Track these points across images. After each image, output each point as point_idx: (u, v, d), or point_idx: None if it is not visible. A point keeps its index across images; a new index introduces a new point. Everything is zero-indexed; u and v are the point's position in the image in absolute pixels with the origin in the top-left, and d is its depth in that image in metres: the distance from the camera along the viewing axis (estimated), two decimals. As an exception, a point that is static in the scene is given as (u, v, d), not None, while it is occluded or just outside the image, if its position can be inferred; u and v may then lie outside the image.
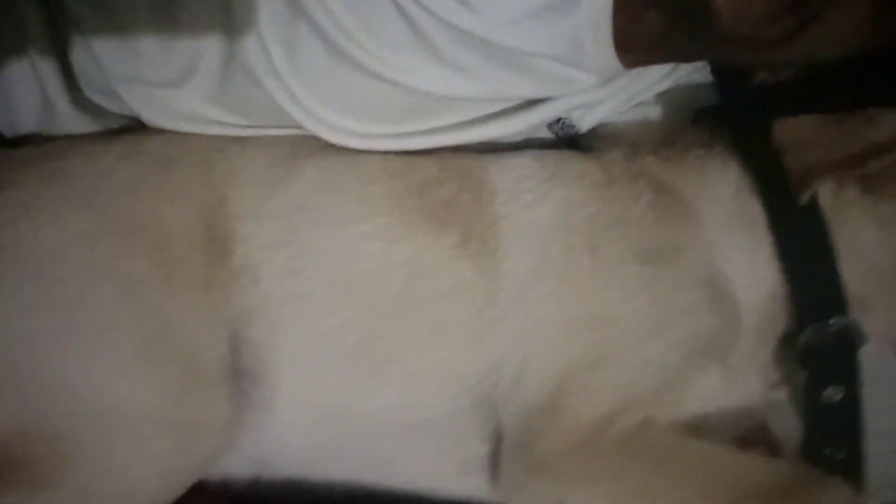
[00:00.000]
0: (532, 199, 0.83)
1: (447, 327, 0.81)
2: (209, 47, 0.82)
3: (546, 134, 0.94)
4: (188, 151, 0.85)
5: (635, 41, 0.78)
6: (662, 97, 0.93)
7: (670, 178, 0.84)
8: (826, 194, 0.79)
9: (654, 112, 0.94)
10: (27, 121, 0.88)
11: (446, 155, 0.88)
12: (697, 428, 0.79)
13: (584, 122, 0.93)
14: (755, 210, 0.81)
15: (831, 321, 0.79)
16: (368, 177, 0.85)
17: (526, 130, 0.91)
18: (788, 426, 0.85)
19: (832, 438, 0.81)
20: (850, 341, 0.80)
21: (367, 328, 0.81)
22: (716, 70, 0.91)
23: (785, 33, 0.73)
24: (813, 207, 0.78)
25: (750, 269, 0.81)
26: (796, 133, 0.78)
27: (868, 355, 0.83)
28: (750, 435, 0.87)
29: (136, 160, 0.83)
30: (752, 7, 0.71)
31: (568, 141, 0.95)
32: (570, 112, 0.91)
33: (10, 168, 0.81)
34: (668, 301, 0.79)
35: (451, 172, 0.86)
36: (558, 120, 0.92)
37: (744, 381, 0.81)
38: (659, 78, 0.89)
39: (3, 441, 0.72)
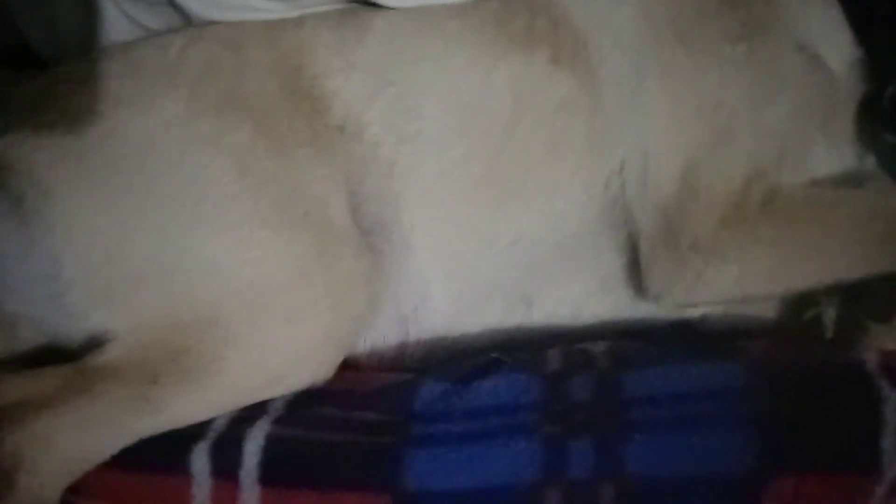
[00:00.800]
0: (609, 4, 0.82)
1: (563, 141, 0.79)
2: None
3: None
4: (250, 33, 0.82)
5: None
6: None
7: None
8: None
9: None
10: (70, 33, 0.83)
11: None
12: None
13: None
14: None
15: None
16: (440, 17, 0.83)
17: None
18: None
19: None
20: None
21: (487, 156, 0.79)
22: None
23: None
24: None
25: (829, 36, 0.80)
26: None
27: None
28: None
29: (205, 45, 0.80)
30: None
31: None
32: None
33: (80, 69, 0.77)
34: (770, 71, 0.78)
35: (516, 4, 0.83)
36: None
37: (842, 150, 0.81)
38: None
39: (160, 337, 0.68)
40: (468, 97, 0.80)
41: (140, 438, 0.67)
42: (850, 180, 0.82)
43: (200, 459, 0.66)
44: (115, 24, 0.84)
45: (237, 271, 0.71)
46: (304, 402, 0.72)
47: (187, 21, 0.85)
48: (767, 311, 0.80)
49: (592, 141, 0.79)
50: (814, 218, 0.76)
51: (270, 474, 0.66)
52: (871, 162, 0.84)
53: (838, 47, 0.80)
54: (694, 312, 0.81)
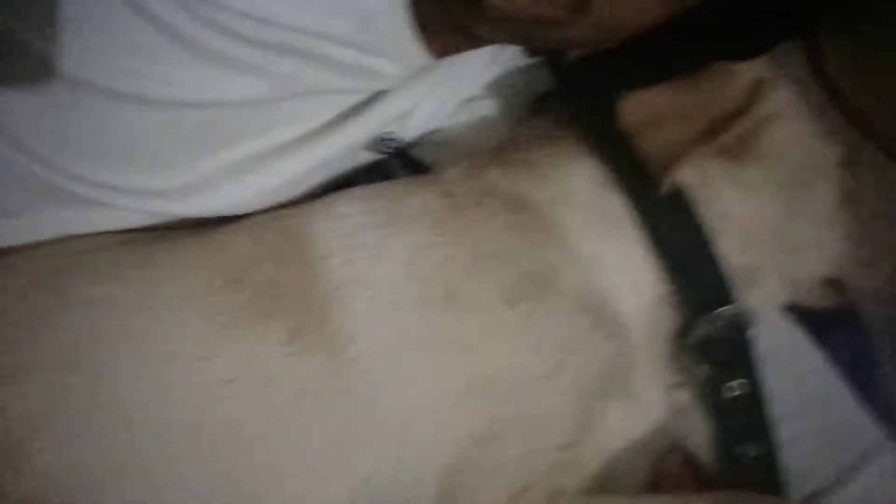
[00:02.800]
0: (370, 256, 0.72)
1: (300, 444, 0.67)
2: None
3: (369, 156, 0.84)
4: None
5: (431, 21, 0.69)
6: (494, 88, 0.84)
7: (520, 189, 0.75)
8: (688, 174, 0.72)
9: (488, 107, 0.86)
10: None
11: (260, 219, 0.77)
12: (611, 471, 0.71)
13: (408, 131, 0.83)
14: (618, 207, 0.74)
15: (720, 311, 0.74)
16: (188, 280, 0.72)
17: (339, 157, 0.80)
18: (698, 432, 0.78)
19: (741, 435, 0.76)
20: (742, 328, 0.75)
21: (211, 461, 0.67)
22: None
23: (565, 9, 0.65)
24: (677, 192, 0.73)
25: (627, 273, 0.74)
26: (647, 109, 0.71)
27: (763, 335, 0.79)
28: (667, 459, 0.81)
29: None
30: None
31: (403, 157, 0.85)
32: (386, 126, 0.81)
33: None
34: (549, 342, 0.69)
35: (266, 243, 0.74)
36: (380, 139, 0.82)
37: (648, 399, 0.74)
38: (482, 65, 0.81)
39: None
40: (185, 391, 0.68)
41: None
42: (663, 431, 0.76)
43: None
44: None
45: None
46: None
47: None
48: None
49: (335, 441, 0.68)
50: None
51: None
52: (685, 396, 0.77)
53: (639, 284, 0.74)
54: None
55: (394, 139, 0.83)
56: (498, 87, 0.85)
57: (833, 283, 0.81)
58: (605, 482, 0.70)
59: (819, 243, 0.79)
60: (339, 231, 0.74)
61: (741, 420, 0.76)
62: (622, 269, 0.73)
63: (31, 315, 0.71)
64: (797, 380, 0.80)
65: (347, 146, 0.80)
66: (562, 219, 0.73)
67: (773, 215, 0.76)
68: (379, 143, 0.83)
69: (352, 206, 0.76)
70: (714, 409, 0.76)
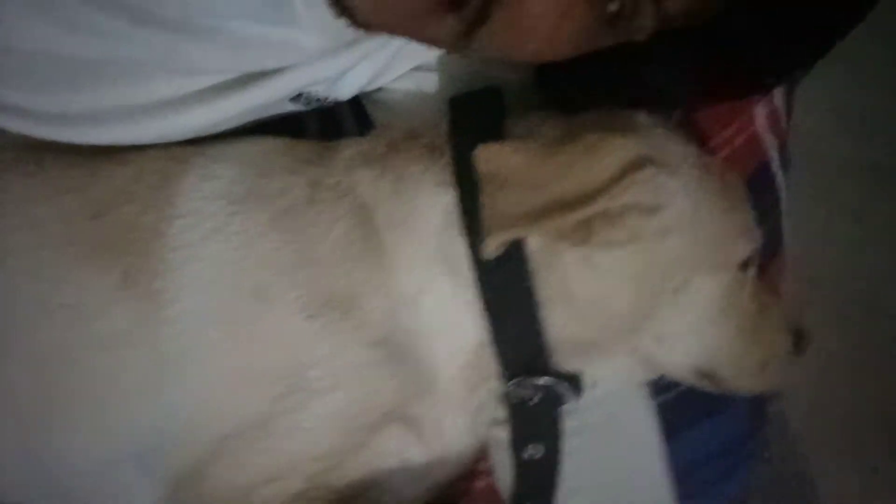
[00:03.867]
0: (210, 229, 0.71)
1: (110, 379, 0.71)
2: None
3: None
4: None
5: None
6: (452, 63, 0.79)
7: (375, 200, 0.72)
8: (535, 240, 0.69)
9: (433, 83, 0.81)
10: None
11: (152, 155, 0.75)
12: (381, 484, 0.72)
13: (340, 91, 0.79)
14: (457, 251, 0.70)
15: (534, 380, 0.72)
16: (38, 193, 0.74)
17: (255, 110, 0.77)
18: (503, 470, 0.79)
19: (532, 494, 0.76)
20: (554, 399, 0.73)
21: (35, 377, 0.71)
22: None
23: (455, 31, 0.61)
24: (518, 254, 0.69)
25: (447, 318, 0.71)
26: (499, 164, 0.66)
27: (594, 408, 0.78)
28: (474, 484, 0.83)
29: None
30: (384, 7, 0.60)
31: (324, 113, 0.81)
32: (308, 87, 0.77)
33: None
34: (331, 362, 0.69)
35: (143, 182, 0.74)
36: (299, 95, 0.78)
37: (440, 433, 0.74)
38: None
39: None
40: (25, 308, 0.71)
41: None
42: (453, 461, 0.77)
43: None
44: None
45: None
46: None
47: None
48: None
49: (141, 388, 0.71)
50: None
51: None
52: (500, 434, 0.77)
53: (461, 328, 0.72)
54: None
55: (319, 99, 0.79)
56: (459, 63, 0.79)
57: (706, 374, 0.77)
58: (367, 493, 0.72)
59: (690, 335, 0.73)
60: (201, 192, 0.73)
61: (532, 480, 0.76)
62: (442, 312, 0.71)
63: None
64: (604, 451, 0.78)
65: (265, 101, 0.76)
66: (395, 246, 0.71)
67: (625, 303, 0.71)
68: (297, 99, 0.79)
69: (226, 169, 0.74)
70: (514, 463, 0.75)
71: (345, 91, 0.80)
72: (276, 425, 0.69)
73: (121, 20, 0.68)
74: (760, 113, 0.86)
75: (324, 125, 0.84)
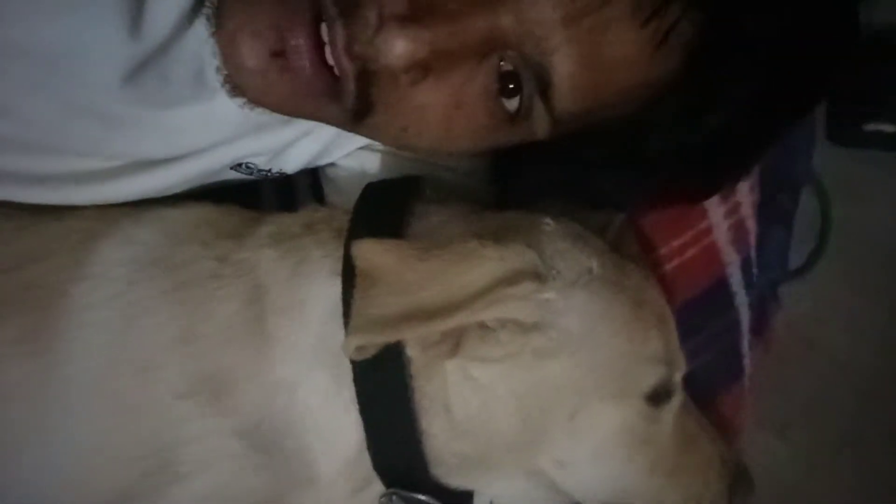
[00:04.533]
0: (110, 294, 0.70)
1: (13, 431, 0.70)
2: None
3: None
4: None
5: None
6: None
7: (270, 283, 0.69)
8: (413, 346, 0.63)
9: (375, 164, 0.80)
10: None
11: (85, 214, 0.75)
12: None
13: (284, 165, 0.79)
14: (336, 345, 0.64)
15: (410, 493, 0.67)
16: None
17: (201, 177, 0.77)
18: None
19: None
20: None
21: None
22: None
23: (342, 118, 0.62)
24: (397, 357, 0.64)
25: (330, 417, 0.67)
26: (374, 261, 0.62)
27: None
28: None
29: None
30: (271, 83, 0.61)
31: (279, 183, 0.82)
32: (247, 158, 0.77)
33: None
34: (197, 446, 0.66)
35: (69, 240, 0.73)
36: (239, 164, 0.78)
37: None
38: None
39: None
40: None
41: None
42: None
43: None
44: None
45: None
46: None
47: None
48: None
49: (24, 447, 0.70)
50: None
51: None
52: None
53: (339, 427, 0.67)
54: None
55: (262, 170, 0.79)
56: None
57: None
58: None
59: (593, 466, 0.66)
60: (115, 256, 0.72)
61: None
62: (320, 407, 0.66)
63: None
64: None
65: (204, 171, 0.77)
66: (278, 332, 0.67)
67: (509, 422, 0.64)
68: (243, 167, 0.79)
69: (147, 234, 0.74)
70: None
71: (289, 165, 0.79)
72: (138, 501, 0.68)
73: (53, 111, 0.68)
74: (721, 224, 0.80)
75: (280, 194, 0.85)
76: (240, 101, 0.65)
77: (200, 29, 0.65)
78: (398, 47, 0.57)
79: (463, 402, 0.65)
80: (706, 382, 0.78)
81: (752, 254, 0.82)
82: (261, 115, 0.69)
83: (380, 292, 0.61)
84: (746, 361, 0.82)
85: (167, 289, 0.71)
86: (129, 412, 0.68)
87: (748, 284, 0.81)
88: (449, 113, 0.61)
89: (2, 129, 0.70)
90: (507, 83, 0.61)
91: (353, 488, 0.69)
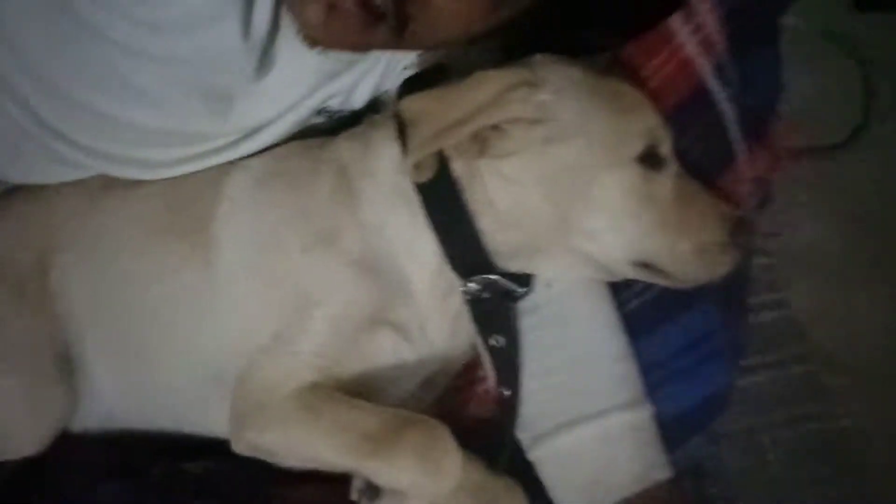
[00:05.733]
0: (246, 201, 0.96)
1: (188, 319, 0.96)
2: None
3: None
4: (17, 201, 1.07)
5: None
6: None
7: (350, 160, 0.94)
8: (457, 163, 0.88)
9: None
10: None
11: (219, 166, 1.00)
12: (381, 378, 0.92)
13: (354, 103, 1.02)
14: (407, 187, 0.90)
15: (481, 277, 0.90)
16: (148, 207, 1.01)
17: (293, 128, 1.00)
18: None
19: (501, 379, 0.93)
20: (503, 294, 0.91)
21: (144, 327, 0.98)
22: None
23: (387, 37, 0.82)
24: (447, 176, 0.88)
25: (412, 240, 0.90)
26: (417, 107, 0.86)
27: (545, 298, 0.94)
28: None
29: None
30: (332, 28, 0.82)
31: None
32: (325, 103, 1.00)
33: None
34: (323, 281, 0.90)
35: (204, 185, 0.99)
36: (321, 110, 1.02)
37: (424, 336, 0.92)
38: None
39: None
40: (133, 284, 0.99)
41: None
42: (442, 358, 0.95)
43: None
44: None
45: None
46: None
47: None
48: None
49: (206, 326, 0.96)
50: (329, 411, 0.89)
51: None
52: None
53: (422, 249, 0.91)
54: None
55: (337, 111, 1.02)
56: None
57: (645, 265, 0.90)
58: (366, 388, 0.91)
59: (613, 229, 0.87)
60: (242, 178, 0.98)
61: (499, 365, 0.93)
62: (403, 235, 0.91)
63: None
64: (558, 341, 0.93)
65: (300, 119, 1.01)
66: (363, 190, 0.92)
67: (540, 205, 0.87)
68: (323, 112, 1.03)
69: (258, 161, 1.00)
70: (483, 351, 0.94)
71: (357, 101, 1.03)
72: (289, 332, 0.91)
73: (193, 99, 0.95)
74: (689, 40, 0.98)
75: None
76: (317, 49, 0.90)
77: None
78: None
79: (502, 195, 0.88)
80: (704, 170, 0.96)
81: (725, 59, 0.99)
82: (333, 63, 0.94)
83: (425, 124, 0.84)
84: (738, 146, 1.00)
85: (282, 188, 0.96)
86: (274, 277, 0.94)
87: (726, 83, 0.99)
88: (465, 9, 0.82)
89: (151, 121, 0.97)
90: None
91: (441, 297, 0.92)
